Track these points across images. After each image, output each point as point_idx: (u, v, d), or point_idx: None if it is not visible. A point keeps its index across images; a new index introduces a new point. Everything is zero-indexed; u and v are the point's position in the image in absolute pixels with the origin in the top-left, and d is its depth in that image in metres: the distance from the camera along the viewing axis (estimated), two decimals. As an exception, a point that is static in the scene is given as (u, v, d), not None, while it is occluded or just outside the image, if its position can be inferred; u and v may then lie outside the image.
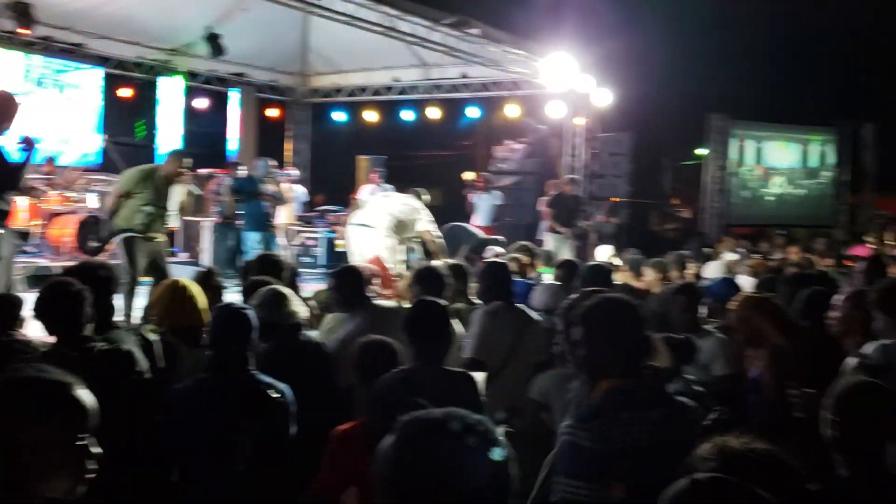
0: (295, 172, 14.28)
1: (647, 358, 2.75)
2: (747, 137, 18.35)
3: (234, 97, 15.34)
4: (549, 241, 11.56)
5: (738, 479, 1.51)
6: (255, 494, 3.07)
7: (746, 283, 7.42)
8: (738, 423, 2.64)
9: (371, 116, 15.96)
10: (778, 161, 19.03)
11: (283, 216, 13.39)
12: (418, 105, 15.41)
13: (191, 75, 14.52)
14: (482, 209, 12.86)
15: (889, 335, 3.58)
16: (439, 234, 9.03)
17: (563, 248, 11.01)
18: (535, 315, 4.66)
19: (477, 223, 12.61)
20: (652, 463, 2.33)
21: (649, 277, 7.21)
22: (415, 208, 8.84)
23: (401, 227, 8.70)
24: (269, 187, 10.19)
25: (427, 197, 9.26)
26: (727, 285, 5.70)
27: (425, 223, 8.82)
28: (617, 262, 9.45)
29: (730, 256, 10.34)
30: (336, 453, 3.13)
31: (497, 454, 1.36)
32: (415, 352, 3.35)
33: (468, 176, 13.14)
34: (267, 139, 16.08)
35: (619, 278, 7.20)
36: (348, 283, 4.65)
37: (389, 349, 3.45)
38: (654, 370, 2.97)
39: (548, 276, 6.83)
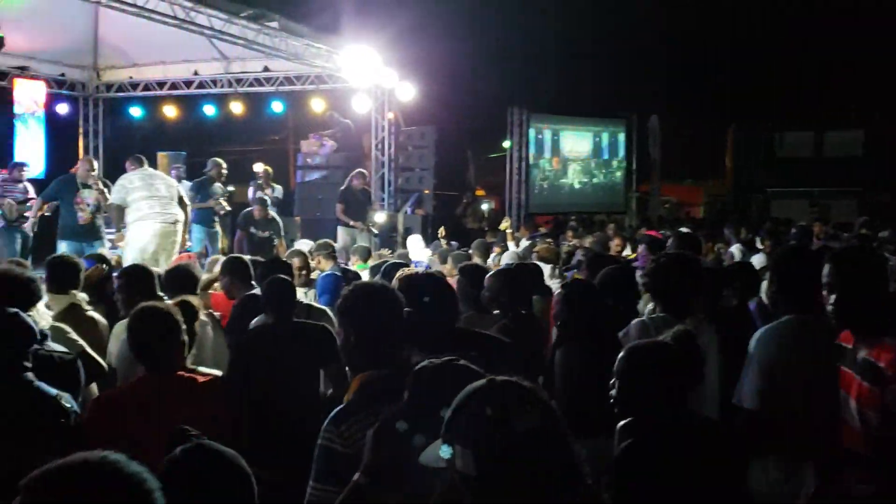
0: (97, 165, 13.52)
1: (402, 345, 2.65)
2: (544, 130, 19.44)
3: (17, 92, 14.24)
4: (341, 235, 11.61)
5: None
6: None
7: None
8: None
9: (170, 112, 15.41)
10: (573, 152, 20.30)
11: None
12: (220, 99, 15.05)
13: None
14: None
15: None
16: None
17: (358, 242, 11.09)
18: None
19: None
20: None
21: (449, 265, 7.53)
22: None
23: None
24: (91, 193, 9.24)
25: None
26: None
27: None
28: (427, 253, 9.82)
29: (525, 244, 10.98)
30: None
31: None
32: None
33: (258, 168, 13.00)
34: (57, 137, 15.10)
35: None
36: (135, 281, 4.53)
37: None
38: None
39: (364, 273, 6.98)
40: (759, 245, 10.95)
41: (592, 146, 20.57)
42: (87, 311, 4.58)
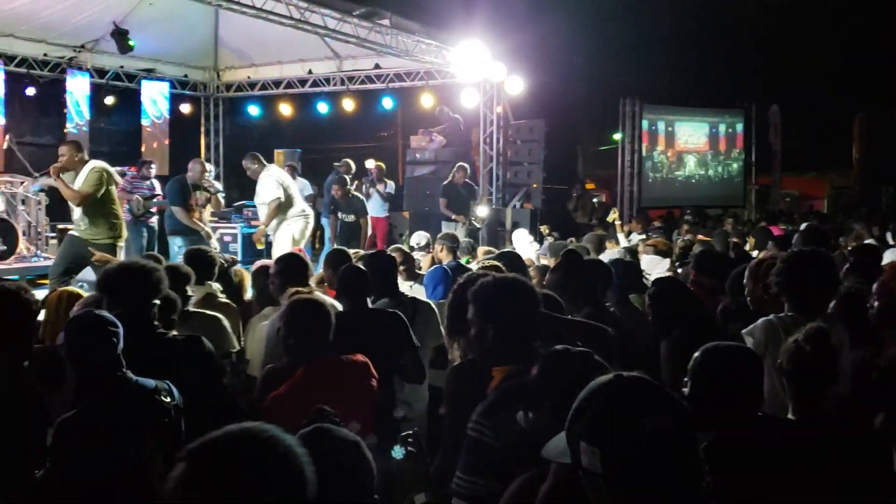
0: (210, 168, 14.15)
1: (540, 339, 2.61)
2: (658, 121, 18.88)
3: (144, 93, 15.03)
4: (444, 230, 11.55)
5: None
6: None
7: (647, 261, 7.72)
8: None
9: (286, 110, 15.87)
10: (688, 144, 19.63)
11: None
12: (333, 97, 15.39)
13: (98, 72, 14.19)
14: (375, 199, 12.93)
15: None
16: None
17: (459, 237, 10.94)
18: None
19: (371, 214, 12.78)
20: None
21: (554, 262, 7.36)
22: None
23: None
24: (203, 193, 9.57)
25: None
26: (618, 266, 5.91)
27: None
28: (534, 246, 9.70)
29: (637, 238, 10.70)
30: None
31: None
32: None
33: (370, 164, 13.20)
34: (179, 135, 15.84)
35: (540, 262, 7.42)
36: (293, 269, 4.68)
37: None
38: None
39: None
40: (890, 241, 10.32)
41: (709, 137, 19.84)
42: (220, 298, 4.94)
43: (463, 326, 2.72)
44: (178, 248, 9.22)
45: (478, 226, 11.90)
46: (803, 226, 9.15)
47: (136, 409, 2.86)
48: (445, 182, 12.24)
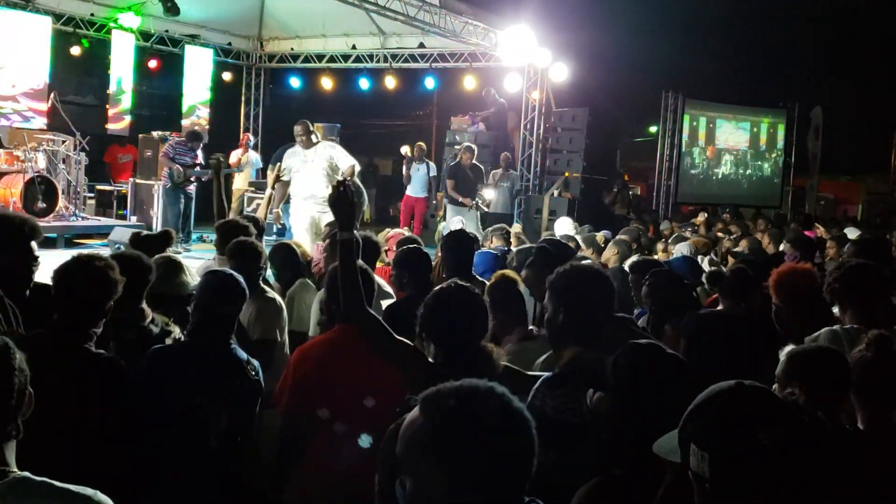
0: (250, 138, 14.26)
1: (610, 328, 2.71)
2: (700, 117, 18.65)
3: (188, 58, 15.07)
4: (449, 212, 11.30)
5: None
6: (222, 473, 2.95)
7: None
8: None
9: (327, 84, 15.81)
10: (728, 142, 19.39)
11: (239, 183, 13.36)
12: (375, 74, 15.33)
13: (144, 35, 14.25)
14: (416, 180, 12.87)
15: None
16: None
17: (465, 220, 10.30)
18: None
19: (410, 193, 12.80)
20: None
21: (609, 253, 7.30)
22: None
23: None
24: None
25: None
26: (688, 264, 5.83)
27: None
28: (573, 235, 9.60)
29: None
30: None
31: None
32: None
33: (405, 150, 13.13)
34: (220, 103, 15.88)
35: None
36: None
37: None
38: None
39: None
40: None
41: (750, 136, 19.58)
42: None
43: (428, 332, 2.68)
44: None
45: (485, 209, 11.65)
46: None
47: (220, 365, 2.96)
48: (452, 163, 11.91)
